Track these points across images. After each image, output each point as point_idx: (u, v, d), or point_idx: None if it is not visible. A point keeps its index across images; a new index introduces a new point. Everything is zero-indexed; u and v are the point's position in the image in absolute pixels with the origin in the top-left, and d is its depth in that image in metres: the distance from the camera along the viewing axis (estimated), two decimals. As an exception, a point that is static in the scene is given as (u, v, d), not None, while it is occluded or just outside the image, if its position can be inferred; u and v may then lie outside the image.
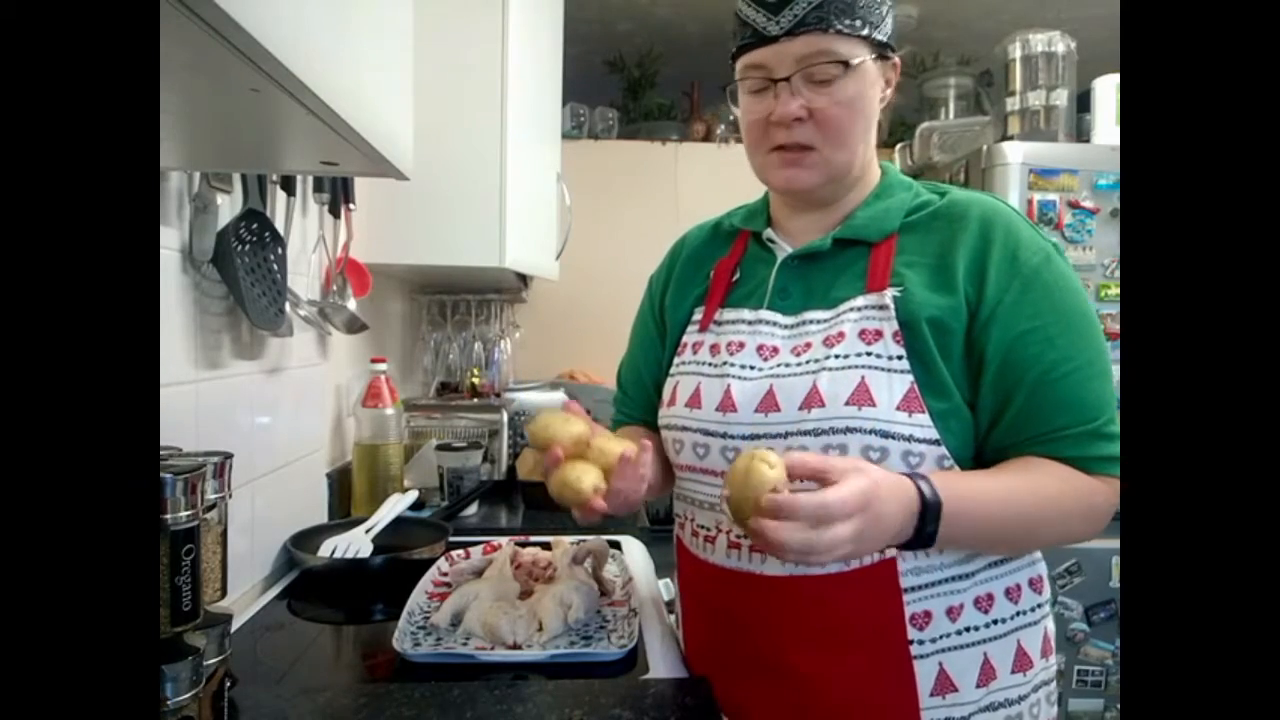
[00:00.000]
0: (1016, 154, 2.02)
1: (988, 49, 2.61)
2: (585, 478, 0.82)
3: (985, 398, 0.82)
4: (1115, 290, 2.02)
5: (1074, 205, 2.01)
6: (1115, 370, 0.75)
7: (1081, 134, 2.30)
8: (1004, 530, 0.80)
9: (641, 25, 2.85)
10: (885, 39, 0.86)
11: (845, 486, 0.66)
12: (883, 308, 0.83)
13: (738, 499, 0.69)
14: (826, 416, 0.81)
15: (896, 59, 0.89)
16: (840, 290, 0.87)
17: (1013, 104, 2.25)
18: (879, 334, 0.82)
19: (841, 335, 0.83)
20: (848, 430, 0.80)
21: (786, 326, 0.89)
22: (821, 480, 0.68)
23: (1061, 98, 2.19)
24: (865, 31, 0.84)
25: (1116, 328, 2.01)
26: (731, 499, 0.70)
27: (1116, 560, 2.02)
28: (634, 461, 0.85)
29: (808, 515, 0.65)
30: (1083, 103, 2.27)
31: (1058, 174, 2.01)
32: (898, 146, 2.73)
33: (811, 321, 0.87)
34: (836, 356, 0.83)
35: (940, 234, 0.86)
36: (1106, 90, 2.18)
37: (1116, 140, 2.12)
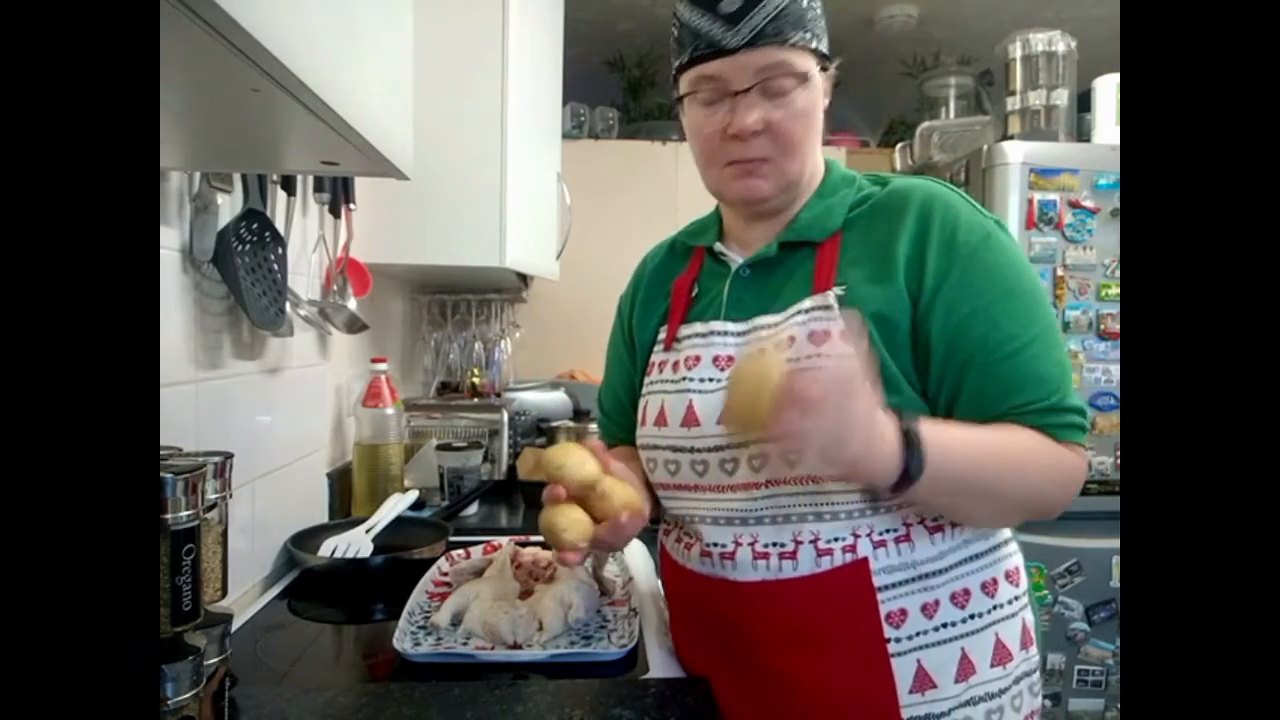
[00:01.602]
0: (1017, 154, 2.01)
1: (988, 49, 2.61)
2: (571, 530, 0.81)
3: (936, 384, 0.82)
4: (1115, 290, 2.02)
5: (1074, 205, 2.01)
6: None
7: (1082, 134, 2.30)
8: (983, 468, 0.78)
9: (641, 25, 2.85)
10: (826, 50, 0.87)
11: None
12: (828, 308, 0.83)
13: (750, 402, 0.68)
14: None
15: (832, 69, 0.89)
16: (789, 294, 0.87)
17: (1013, 104, 2.25)
18: (827, 334, 0.82)
19: (792, 339, 0.84)
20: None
21: (739, 334, 0.89)
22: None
23: (1062, 97, 2.19)
24: (814, 44, 0.84)
25: (1116, 327, 2.01)
26: (741, 403, 0.69)
27: (1116, 560, 2.02)
28: (626, 525, 0.84)
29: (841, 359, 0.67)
30: (1083, 102, 2.27)
31: (1058, 174, 2.01)
32: (898, 146, 2.73)
33: (762, 327, 0.88)
34: (789, 361, 0.83)
35: (882, 227, 0.86)
36: (1106, 90, 2.18)
37: (1117, 140, 2.12)
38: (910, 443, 0.72)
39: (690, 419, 0.88)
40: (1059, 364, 0.82)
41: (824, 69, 0.87)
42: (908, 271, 0.82)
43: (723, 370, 0.88)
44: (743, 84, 0.83)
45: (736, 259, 0.94)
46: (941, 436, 0.75)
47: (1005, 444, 0.79)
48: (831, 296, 0.83)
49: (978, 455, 0.77)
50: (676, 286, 0.99)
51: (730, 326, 0.90)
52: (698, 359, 0.91)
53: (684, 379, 0.91)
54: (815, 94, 0.86)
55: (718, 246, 0.96)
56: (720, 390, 0.87)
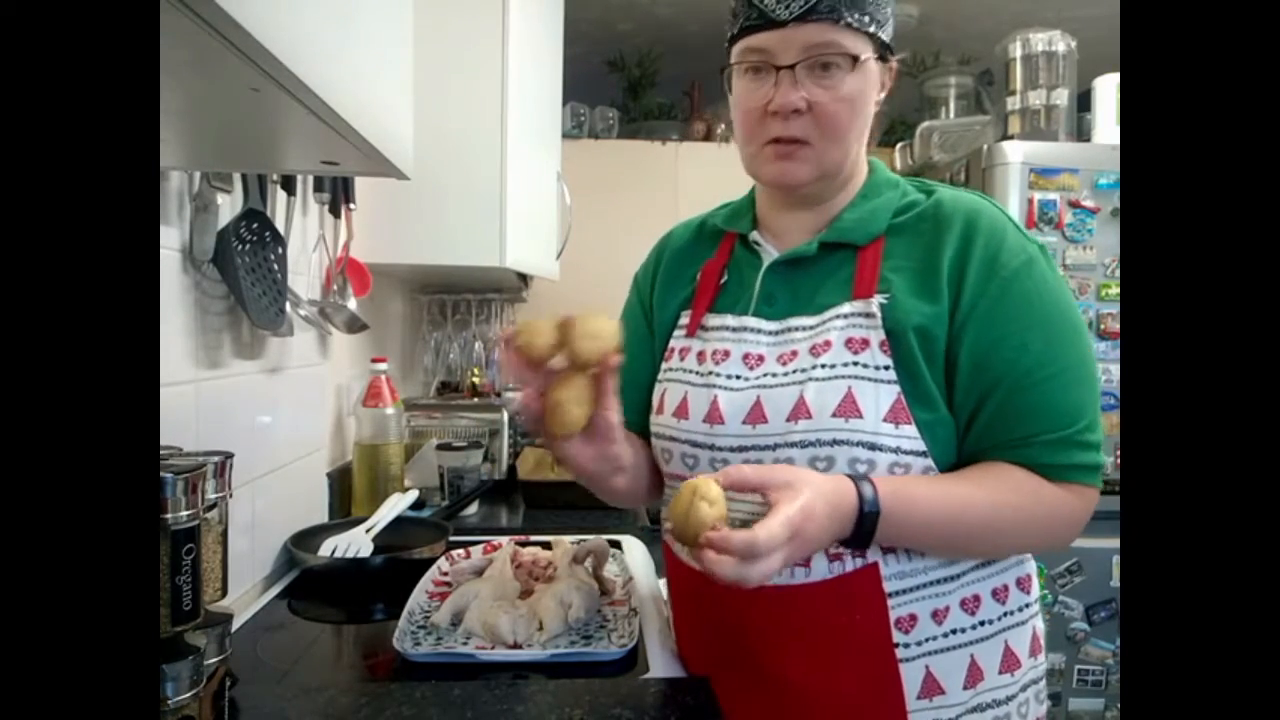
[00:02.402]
0: (1017, 153, 2.01)
1: (988, 49, 2.60)
2: (576, 408, 0.79)
3: (960, 402, 0.81)
4: (1115, 290, 2.02)
5: (1074, 205, 2.01)
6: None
7: (1082, 133, 2.30)
8: (949, 542, 0.81)
9: (641, 25, 2.85)
10: (888, 40, 0.84)
11: (775, 519, 0.68)
12: (869, 315, 0.81)
13: (679, 531, 0.72)
14: (813, 428, 0.80)
15: (894, 63, 0.87)
16: (826, 296, 0.86)
17: (1013, 103, 2.25)
18: (865, 343, 0.81)
19: (828, 344, 0.82)
20: (835, 443, 0.79)
21: (771, 334, 0.87)
22: (762, 494, 0.72)
23: (1062, 97, 2.19)
24: (872, 28, 0.82)
25: (1116, 327, 2.01)
26: (674, 530, 0.74)
27: (1116, 560, 2.02)
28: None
29: (739, 552, 0.68)
30: (1083, 102, 2.27)
31: (1058, 173, 2.01)
32: (898, 146, 2.73)
33: (797, 329, 0.86)
34: (823, 366, 0.81)
35: (927, 237, 0.84)
36: (1106, 90, 2.18)
37: (1116, 140, 2.12)
38: (864, 522, 0.75)
39: (714, 415, 0.86)
40: (1084, 399, 0.81)
41: (883, 59, 0.84)
42: (949, 286, 0.81)
43: (752, 369, 0.86)
44: (789, 59, 0.81)
45: (771, 251, 0.91)
46: (907, 513, 0.77)
47: (990, 506, 0.79)
48: (874, 304, 0.81)
49: (948, 525, 0.79)
50: (705, 271, 0.96)
51: (764, 325, 0.88)
52: (726, 354, 0.89)
53: (711, 373, 0.88)
54: (866, 81, 0.83)
55: (753, 235, 0.93)
56: (748, 389, 0.85)
